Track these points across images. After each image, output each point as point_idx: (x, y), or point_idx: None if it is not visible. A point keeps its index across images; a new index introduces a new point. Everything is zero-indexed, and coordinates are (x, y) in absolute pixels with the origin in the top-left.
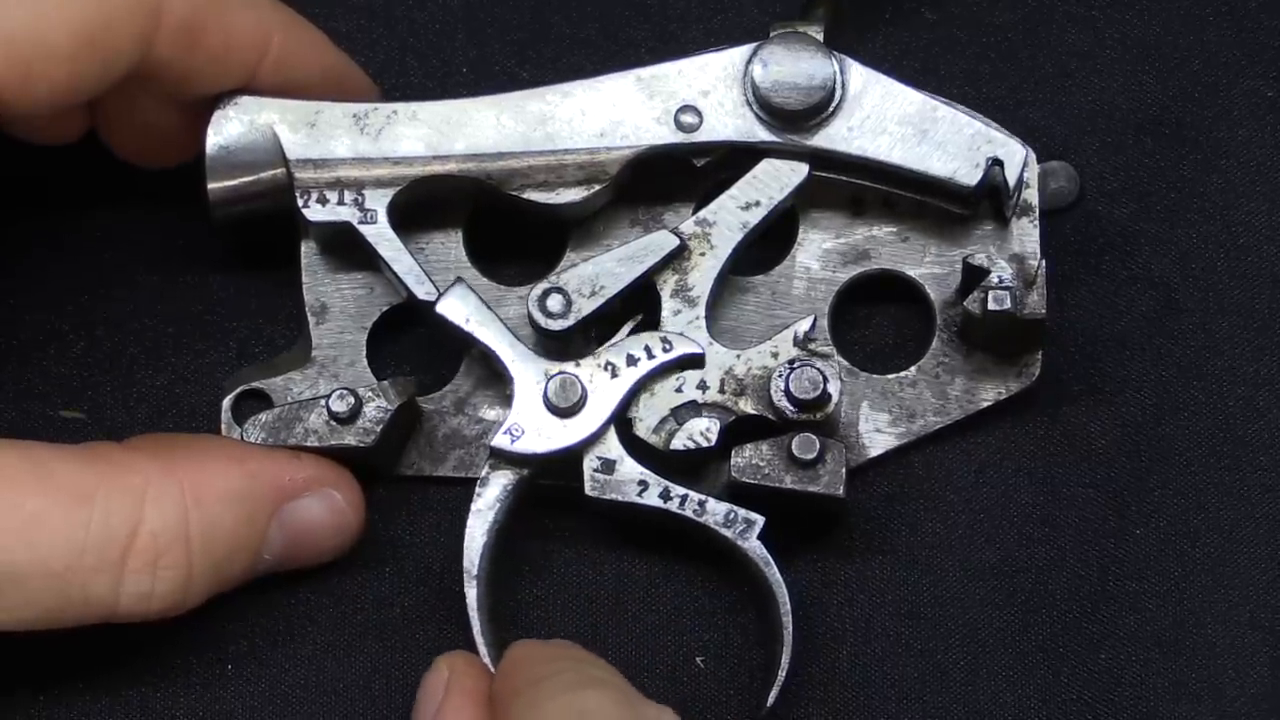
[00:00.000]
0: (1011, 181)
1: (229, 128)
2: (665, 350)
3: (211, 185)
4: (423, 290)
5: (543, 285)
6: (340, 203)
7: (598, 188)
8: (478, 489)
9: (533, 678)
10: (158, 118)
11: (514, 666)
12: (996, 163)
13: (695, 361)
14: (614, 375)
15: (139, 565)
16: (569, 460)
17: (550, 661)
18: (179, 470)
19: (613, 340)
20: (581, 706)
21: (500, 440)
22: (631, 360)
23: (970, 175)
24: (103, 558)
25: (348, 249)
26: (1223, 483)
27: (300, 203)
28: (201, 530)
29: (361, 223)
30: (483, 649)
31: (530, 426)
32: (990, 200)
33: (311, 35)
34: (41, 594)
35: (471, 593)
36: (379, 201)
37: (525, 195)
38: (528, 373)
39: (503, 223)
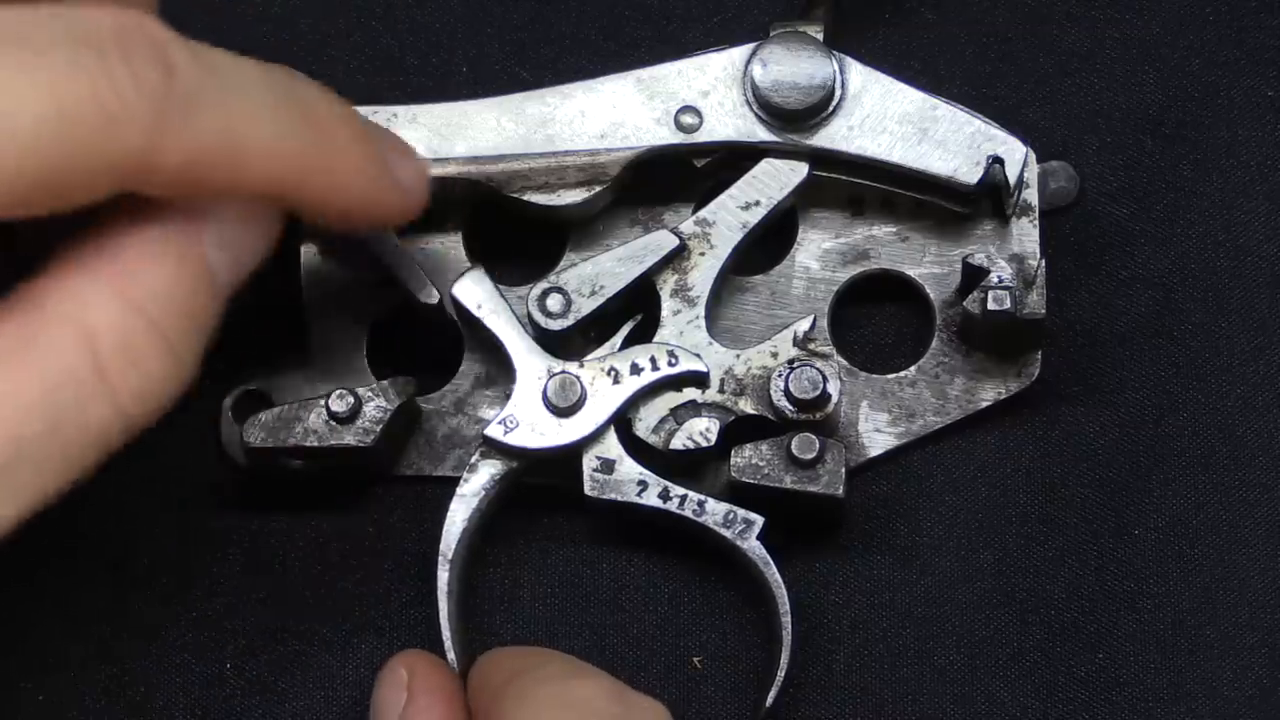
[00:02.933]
0: (1012, 179)
1: None
2: (670, 364)
3: None
4: (425, 294)
5: (542, 285)
6: None
7: (598, 189)
8: (465, 475)
9: (518, 669)
10: None
11: (493, 665)
12: (997, 160)
13: (699, 379)
14: (616, 381)
15: (119, 368)
16: (559, 460)
17: (531, 656)
18: (95, 264)
19: (614, 341)
20: (572, 695)
21: (493, 430)
22: (636, 369)
23: (971, 173)
24: (79, 386)
25: (349, 252)
26: (1222, 483)
27: None
28: (148, 302)
29: None
30: (447, 635)
31: (525, 421)
32: (990, 198)
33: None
34: (50, 459)
35: (443, 575)
36: None
37: (526, 197)
38: (531, 367)
39: (502, 224)
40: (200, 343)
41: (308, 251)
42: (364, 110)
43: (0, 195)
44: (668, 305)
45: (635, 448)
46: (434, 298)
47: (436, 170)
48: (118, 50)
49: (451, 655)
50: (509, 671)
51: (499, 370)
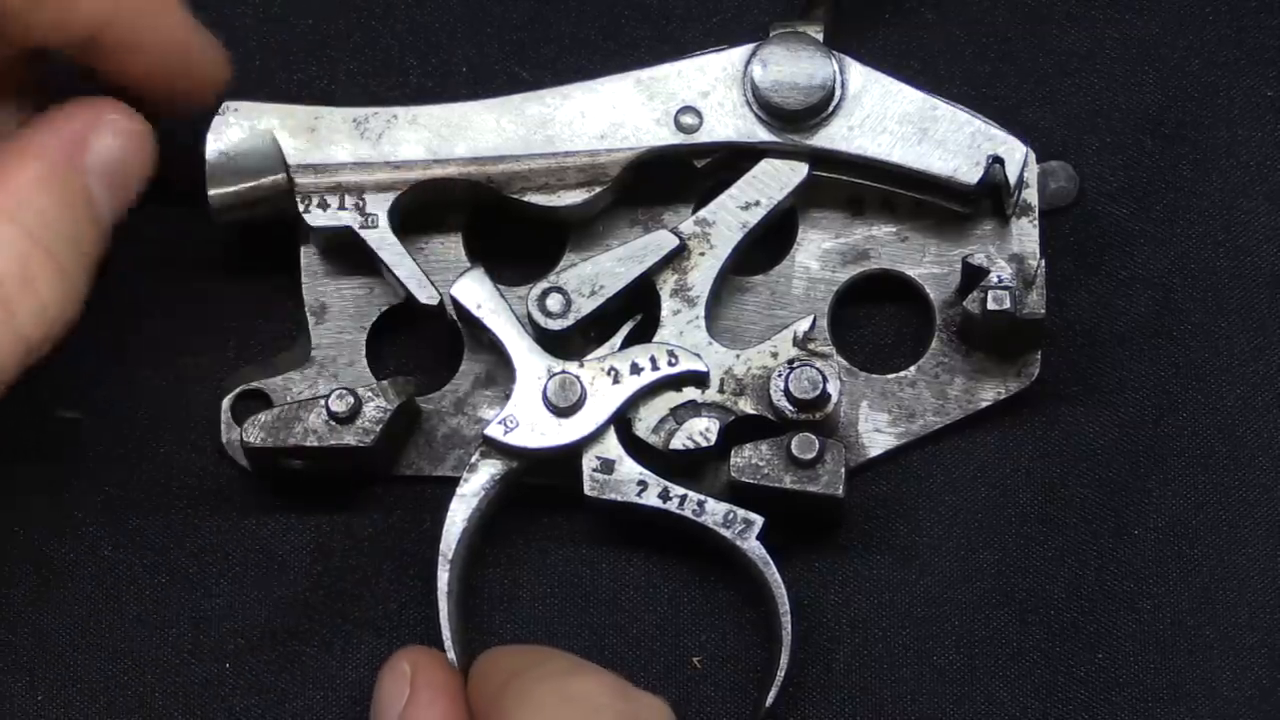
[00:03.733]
0: (1012, 179)
1: (229, 134)
2: (670, 364)
3: (213, 192)
4: (425, 294)
5: (542, 285)
6: (341, 208)
7: (599, 190)
8: (465, 475)
9: (518, 667)
10: None
11: (492, 664)
12: (997, 160)
13: (699, 379)
14: (616, 381)
15: (16, 290)
16: (559, 459)
17: (531, 654)
18: None
19: (613, 341)
20: (572, 691)
21: (493, 430)
22: (635, 369)
23: (971, 173)
24: None
25: (349, 252)
26: (1221, 483)
27: (301, 208)
28: (39, 226)
29: (363, 227)
30: (447, 635)
31: (525, 420)
32: (990, 198)
33: (165, 7)
34: None
35: (443, 576)
36: (380, 206)
37: (526, 198)
38: (531, 367)
39: (502, 224)
40: (89, 271)
41: (307, 253)
42: (363, 112)
43: None
44: (668, 305)
45: (635, 448)
46: (435, 300)
47: (437, 171)
48: None
49: (452, 655)
50: (509, 670)
51: (499, 370)
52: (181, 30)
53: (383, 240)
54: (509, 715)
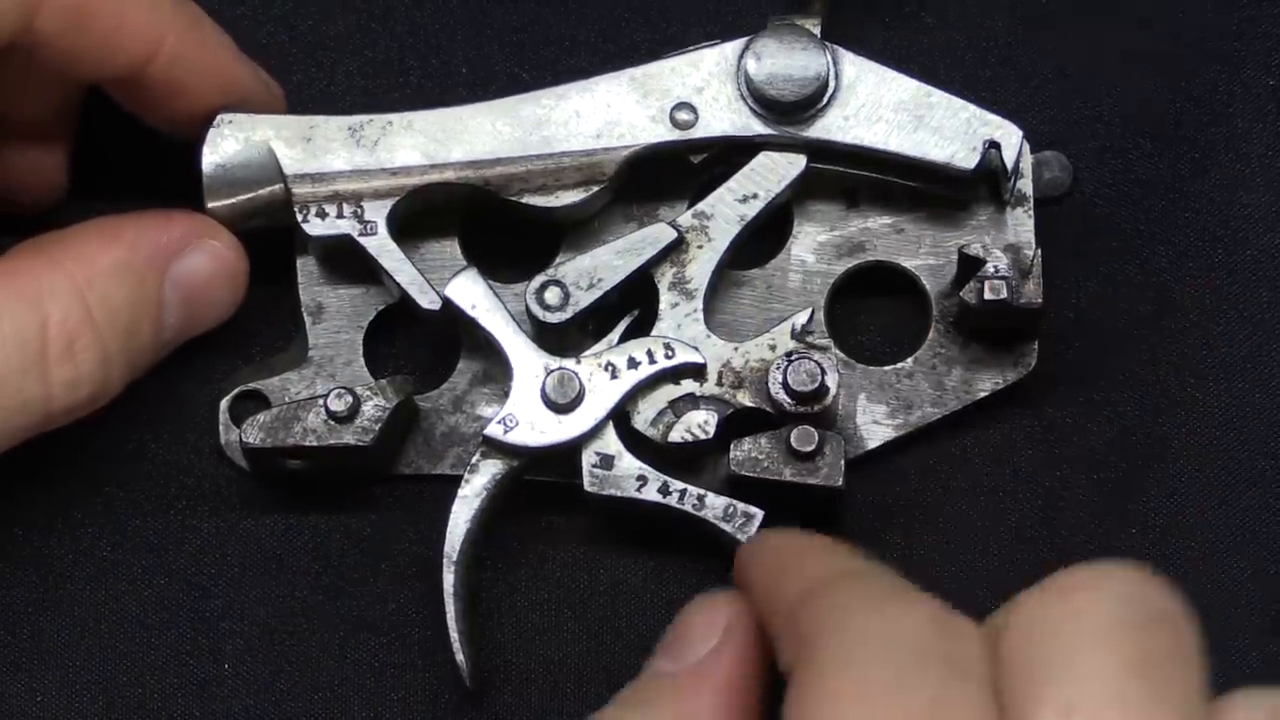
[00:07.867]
0: (1009, 163)
1: (225, 146)
2: (667, 357)
3: (210, 204)
4: (426, 300)
5: (540, 278)
6: (340, 216)
7: (596, 189)
8: (466, 475)
9: (814, 575)
10: (38, 96)
11: (777, 561)
12: (993, 145)
13: (697, 371)
14: (614, 376)
15: (58, 354)
16: (560, 456)
17: (818, 553)
18: (64, 261)
19: (611, 336)
20: (896, 630)
21: (493, 430)
22: (633, 363)
23: (968, 159)
24: (25, 358)
25: (347, 259)
26: (1221, 483)
27: (300, 218)
28: (101, 306)
29: (362, 234)
30: (454, 635)
31: (525, 419)
32: (987, 184)
33: (214, 43)
34: None
35: (449, 578)
36: (378, 213)
37: (524, 200)
38: (528, 365)
39: (499, 225)
40: (129, 369)
41: (303, 254)
42: (358, 119)
43: None
44: (666, 298)
45: (634, 441)
46: (437, 305)
47: (434, 176)
48: None
49: (460, 657)
50: (806, 576)
51: (496, 367)
52: (230, 67)
53: (382, 247)
54: (816, 648)
